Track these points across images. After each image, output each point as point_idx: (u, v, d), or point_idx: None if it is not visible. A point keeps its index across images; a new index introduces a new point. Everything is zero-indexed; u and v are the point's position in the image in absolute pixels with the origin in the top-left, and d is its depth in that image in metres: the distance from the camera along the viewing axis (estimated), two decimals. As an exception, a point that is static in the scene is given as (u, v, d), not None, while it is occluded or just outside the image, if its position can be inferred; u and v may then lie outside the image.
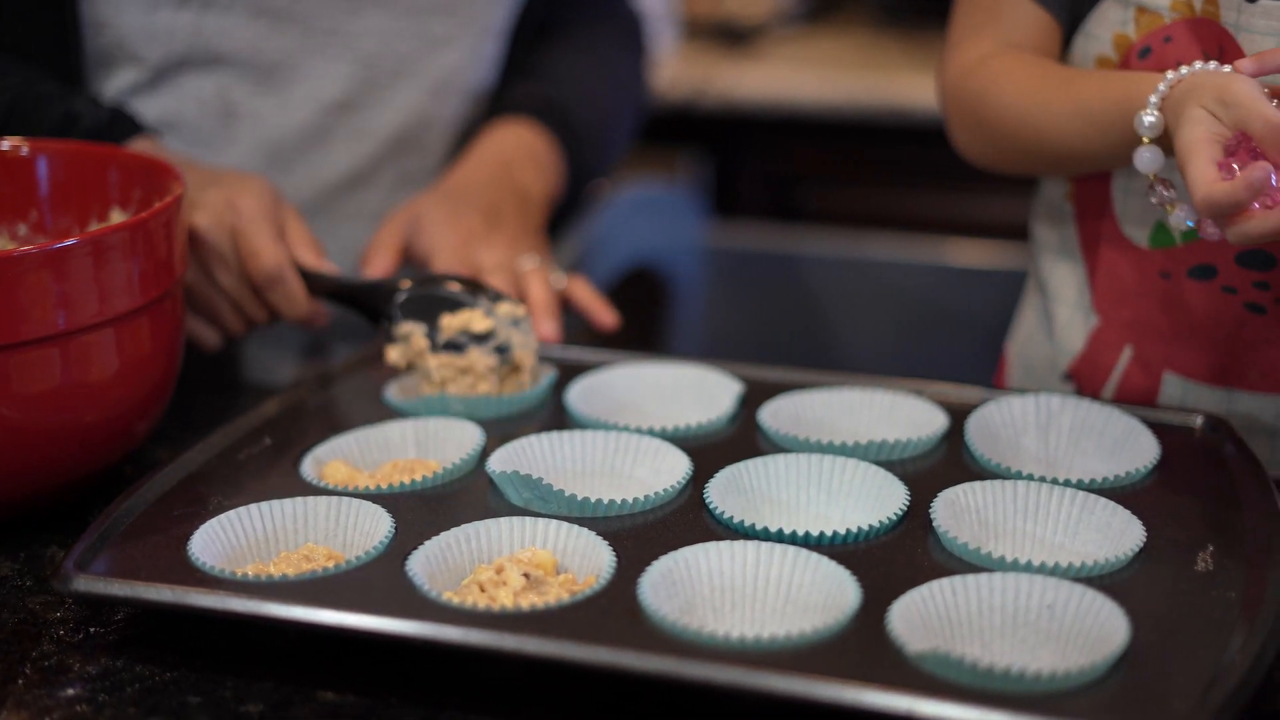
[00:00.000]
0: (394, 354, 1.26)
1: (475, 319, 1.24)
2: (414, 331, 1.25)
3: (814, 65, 2.76)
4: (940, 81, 1.32)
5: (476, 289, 1.26)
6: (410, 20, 1.49)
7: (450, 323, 1.24)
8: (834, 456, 1.08)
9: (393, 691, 0.93)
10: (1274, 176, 1.00)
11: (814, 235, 2.43)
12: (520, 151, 1.52)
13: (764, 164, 2.78)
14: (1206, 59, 1.10)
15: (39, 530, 1.13)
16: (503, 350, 1.25)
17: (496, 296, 1.26)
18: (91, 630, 1.01)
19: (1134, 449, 1.12)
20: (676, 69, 2.80)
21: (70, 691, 0.94)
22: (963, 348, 2.27)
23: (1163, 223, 1.21)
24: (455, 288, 1.27)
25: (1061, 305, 1.32)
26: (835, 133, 2.67)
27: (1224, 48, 1.13)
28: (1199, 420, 1.16)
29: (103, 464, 1.17)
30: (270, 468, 1.13)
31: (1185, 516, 1.03)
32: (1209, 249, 1.19)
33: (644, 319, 2.40)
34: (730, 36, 2.96)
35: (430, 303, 1.26)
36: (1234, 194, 0.99)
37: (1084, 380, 1.30)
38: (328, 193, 1.51)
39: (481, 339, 1.24)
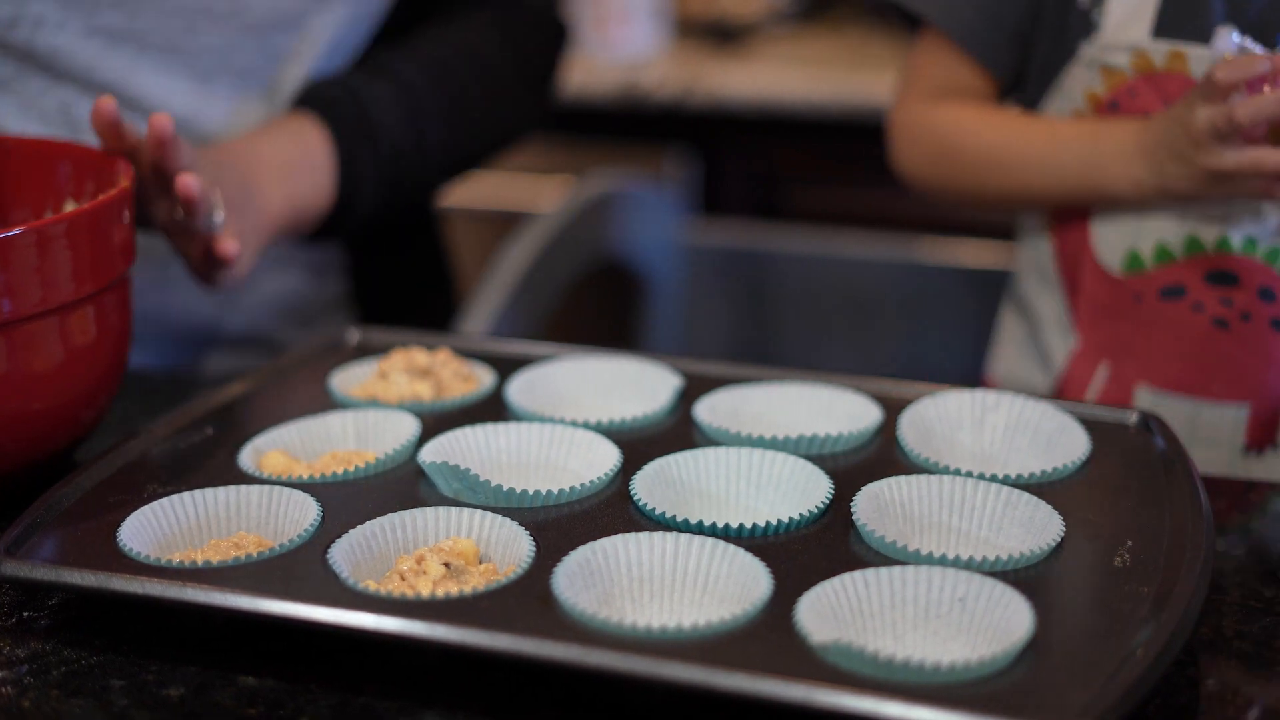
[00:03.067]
0: None
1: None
2: None
3: (802, 64, 2.77)
4: (893, 116, 1.49)
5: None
6: (250, 36, 1.45)
7: None
8: (763, 450, 1.09)
9: (312, 677, 0.94)
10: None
11: (797, 234, 2.44)
12: (269, 153, 1.40)
13: (750, 162, 2.79)
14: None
15: (-17, 516, 1.15)
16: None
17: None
18: (25, 614, 1.02)
19: (1067, 445, 1.13)
20: (666, 68, 2.81)
21: (-4, 674, 0.96)
22: (941, 347, 2.28)
23: (1135, 251, 1.34)
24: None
25: (1046, 328, 1.44)
26: (821, 132, 2.67)
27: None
28: (1133, 417, 1.17)
29: (50, 452, 1.18)
30: (209, 457, 1.14)
31: (1109, 512, 1.04)
32: (1178, 272, 1.31)
33: (617, 315, 2.42)
34: (722, 35, 2.97)
35: None
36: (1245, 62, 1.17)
37: (1066, 392, 1.41)
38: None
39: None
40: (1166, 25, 1.28)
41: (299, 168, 1.40)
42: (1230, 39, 1.23)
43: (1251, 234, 1.28)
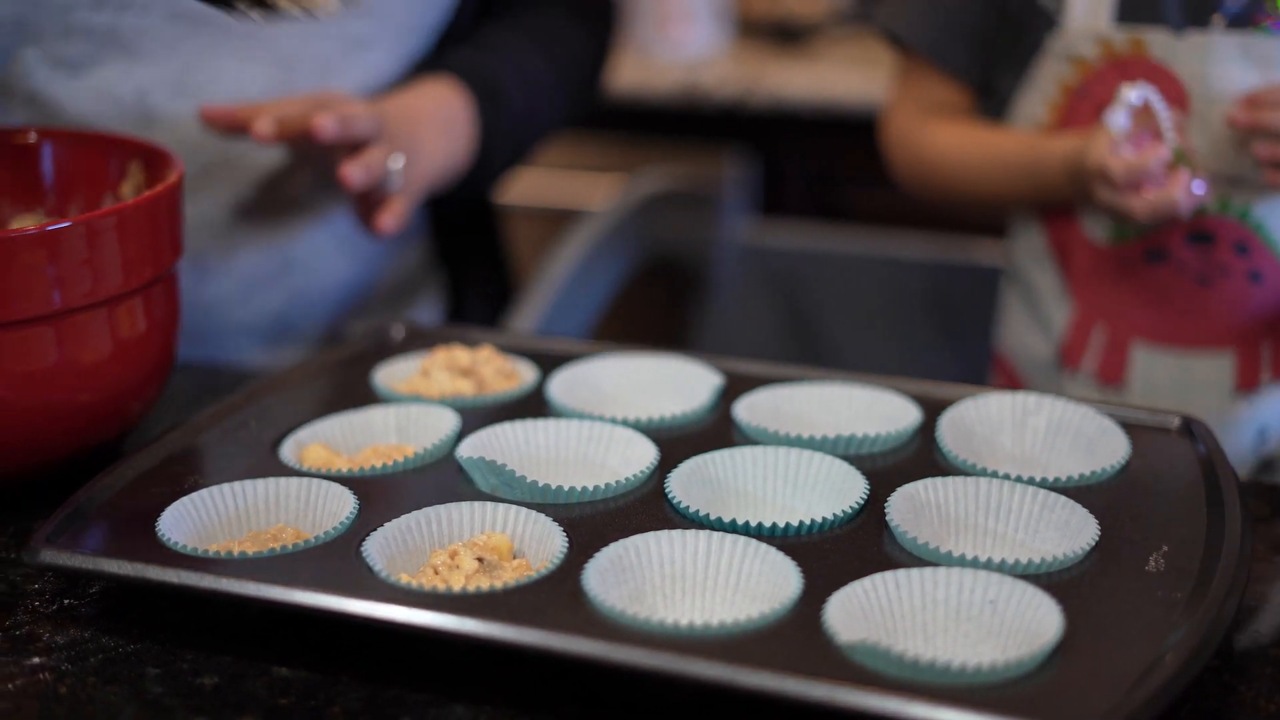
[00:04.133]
0: None
1: None
2: None
3: (864, 66, 2.76)
4: (884, 129, 1.66)
5: None
6: (334, 22, 1.47)
7: None
8: (799, 450, 1.09)
9: (344, 668, 0.95)
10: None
11: (851, 235, 2.43)
12: (429, 109, 1.48)
13: (810, 163, 2.78)
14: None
15: (34, 505, 1.16)
16: None
17: None
18: (66, 602, 1.04)
19: (1108, 448, 1.13)
20: (726, 68, 2.81)
21: (35, 660, 0.97)
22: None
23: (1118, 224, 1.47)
24: None
25: (1044, 299, 1.57)
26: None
27: (1153, 81, 1.38)
28: (1175, 421, 1.16)
29: (98, 442, 1.20)
30: (251, 449, 1.15)
31: (1146, 516, 1.03)
32: (1159, 237, 1.45)
33: (669, 313, 2.42)
34: (784, 35, 2.97)
35: None
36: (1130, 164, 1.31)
37: (1069, 354, 1.54)
38: (250, 195, 1.50)
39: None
40: (1126, 11, 1.41)
41: (452, 125, 1.49)
42: (1131, 97, 1.34)
43: (1221, 194, 1.41)
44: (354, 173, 1.35)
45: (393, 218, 1.40)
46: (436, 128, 1.48)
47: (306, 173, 1.51)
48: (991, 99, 1.57)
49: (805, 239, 2.36)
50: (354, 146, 1.38)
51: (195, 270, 1.49)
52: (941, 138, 1.58)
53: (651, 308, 2.38)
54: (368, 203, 1.42)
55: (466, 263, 1.76)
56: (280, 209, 1.52)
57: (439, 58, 1.57)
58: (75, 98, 1.42)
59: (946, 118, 1.59)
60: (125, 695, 0.93)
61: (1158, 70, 1.40)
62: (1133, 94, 1.34)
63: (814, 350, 2.33)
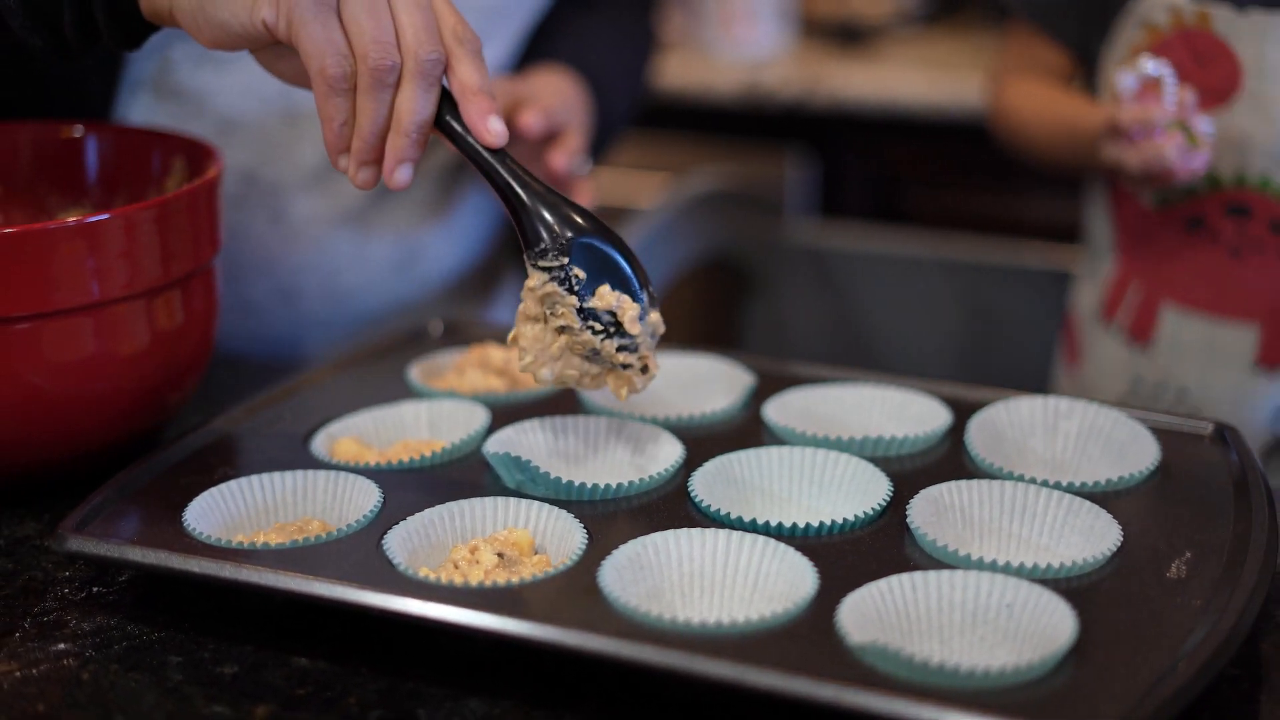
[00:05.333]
0: (536, 281, 1.07)
1: (628, 310, 1.09)
2: (574, 273, 1.07)
3: (926, 67, 2.75)
4: (989, 92, 1.75)
5: (645, 281, 1.10)
6: (485, 18, 1.50)
7: (607, 298, 1.08)
8: (825, 451, 1.09)
9: (362, 660, 0.96)
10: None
11: (913, 238, 2.43)
12: (575, 92, 1.53)
13: (870, 165, 2.77)
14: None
15: (71, 494, 1.17)
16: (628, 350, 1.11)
17: (654, 300, 1.11)
18: (94, 590, 1.05)
19: (1139, 454, 1.12)
20: (788, 68, 2.81)
21: (61, 646, 0.99)
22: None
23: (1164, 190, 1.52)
24: (629, 265, 1.09)
25: (1099, 250, 1.64)
26: (943, 135, 2.66)
27: (1212, 55, 1.44)
28: (1208, 428, 1.15)
29: (136, 433, 1.21)
30: (282, 441, 1.16)
31: (1171, 523, 1.02)
32: (1201, 206, 1.51)
33: (720, 312, 2.42)
34: (848, 36, 2.96)
35: (599, 261, 1.08)
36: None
37: (1108, 307, 1.61)
38: (385, 189, 1.54)
39: (620, 334, 1.09)
40: None
41: (588, 109, 1.55)
42: (1148, 67, 1.42)
43: (1264, 171, 1.46)
44: (560, 160, 1.42)
45: (589, 199, 1.46)
46: (584, 111, 1.53)
47: (435, 165, 1.55)
48: (1090, 65, 1.63)
49: (863, 241, 2.36)
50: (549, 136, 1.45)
51: (331, 263, 1.52)
52: (1014, 91, 1.68)
53: (704, 307, 2.38)
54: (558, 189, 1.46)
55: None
56: (412, 203, 1.55)
57: (540, 47, 1.61)
58: (221, 92, 1.45)
59: (1040, 79, 1.66)
60: (146, 683, 0.94)
61: (1218, 46, 1.44)
62: (1149, 64, 1.41)
63: (865, 352, 2.32)
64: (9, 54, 1.30)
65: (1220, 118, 1.45)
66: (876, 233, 2.45)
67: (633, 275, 1.08)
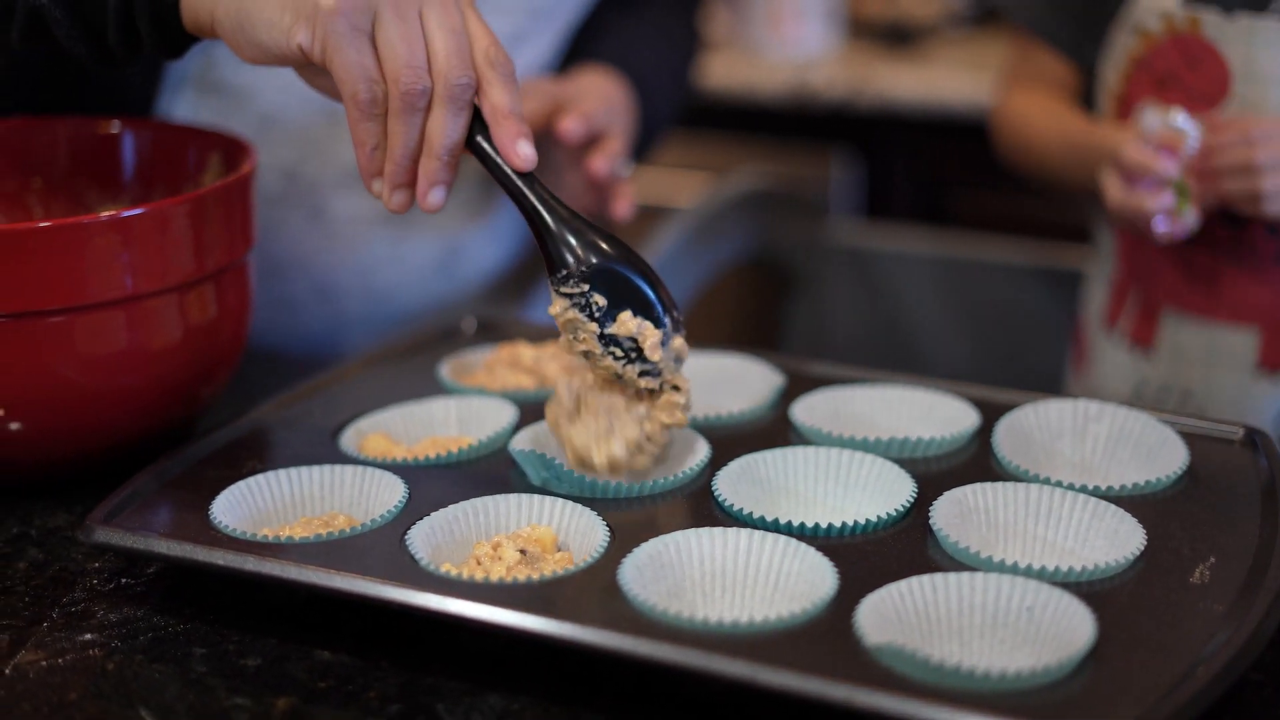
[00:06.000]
0: (559, 308, 1.08)
1: (649, 336, 1.08)
2: (595, 300, 1.08)
3: (973, 69, 2.74)
4: (993, 107, 1.76)
5: (670, 306, 1.10)
6: (500, 19, 1.51)
7: (628, 324, 1.08)
8: (850, 451, 1.09)
9: (384, 654, 0.97)
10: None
11: (957, 239, 2.42)
12: (618, 94, 1.53)
13: (916, 166, 2.77)
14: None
15: (102, 486, 1.18)
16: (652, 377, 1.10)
17: (678, 325, 1.11)
18: (122, 581, 1.06)
19: (1168, 458, 1.11)
20: (834, 68, 2.80)
21: (88, 636, 1.00)
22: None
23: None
24: (652, 290, 1.09)
25: (1104, 256, 1.65)
26: (988, 137, 2.64)
27: (1202, 59, 1.45)
28: (1239, 433, 1.14)
29: (167, 426, 1.22)
30: (312, 436, 1.17)
31: (1197, 528, 1.02)
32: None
33: (760, 312, 2.41)
34: (897, 37, 2.95)
35: (623, 286, 1.08)
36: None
37: (1110, 313, 1.62)
38: None
39: (641, 360, 1.09)
40: None
41: (631, 111, 1.55)
42: (1178, 119, 1.41)
43: None
44: (601, 165, 1.42)
45: (629, 202, 1.46)
46: (626, 113, 1.53)
47: (476, 167, 1.54)
48: (1089, 73, 1.63)
49: (905, 241, 2.35)
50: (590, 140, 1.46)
51: (369, 261, 1.53)
52: (1021, 100, 1.68)
53: (744, 306, 2.38)
54: (593, 192, 1.48)
55: None
56: (452, 204, 1.56)
57: (583, 47, 1.61)
58: (263, 89, 1.46)
59: (1046, 91, 1.66)
60: (169, 674, 0.95)
61: (1208, 50, 1.45)
62: (1179, 118, 1.40)
63: (905, 353, 2.31)
64: (53, 55, 1.31)
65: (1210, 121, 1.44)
66: (919, 234, 2.44)
67: (656, 300, 1.08)
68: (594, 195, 1.48)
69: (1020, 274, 2.26)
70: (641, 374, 1.08)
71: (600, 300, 1.07)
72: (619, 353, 1.07)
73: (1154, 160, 1.39)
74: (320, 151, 1.48)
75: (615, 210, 1.46)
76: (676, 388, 1.10)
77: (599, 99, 1.47)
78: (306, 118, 1.46)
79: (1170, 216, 1.41)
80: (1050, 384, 1.84)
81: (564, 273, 1.07)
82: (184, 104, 1.45)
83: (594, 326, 1.07)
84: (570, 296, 1.07)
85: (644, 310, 1.08)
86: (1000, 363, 2.28)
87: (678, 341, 1.10)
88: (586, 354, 1.08)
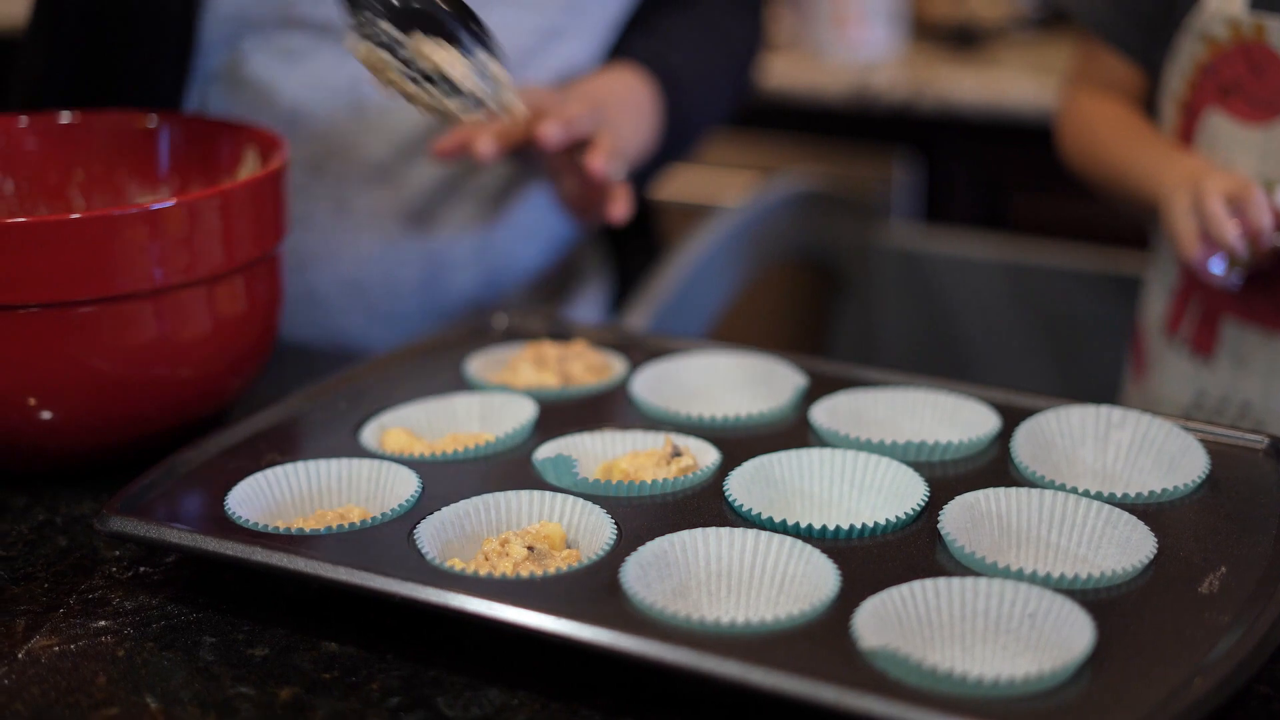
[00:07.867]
0: (362, 50, 1.09)
1: (456, 66, 1.08)
2: (384, 28, 1.08)
3: (1035, 72, 2.72)
4: (1058, 108, 1.72)
5: (484, 36, 1.09)
6: (532, 13, 1.52)
7: (431, 56, 1.07)
8: (864, 454, 1.09)
9: (389, 647, 0.97)
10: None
11: (1015, 244, 2.40)
12: (622, 94, 1.52)
13: (977, 169, 2.75)
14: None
15: (131, 476, 1.19)
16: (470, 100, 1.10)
17: (483, 40, 1.10)
18: (140, 570, 1.08)
19: (1189, 467, 1.10)
20: (896, 70, 2.79)
21: (102, 623, 1.01)
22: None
23: None
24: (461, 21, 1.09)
25: (1163, 262, 1.63)
26: (1050, 141, 2.62)
27: (1266, 67, 1.43)
28: (1263, 442, 1.13)
29: (196, 417, 1.23)
30: (333, 430, 1.18)
31: (1210, 537, 1.01)
32: None
33: (809, 314, 2.41)
34: (963, 39, 2.93)
35: (425, 20, 1.08)
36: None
37: (1171, 321, 1.59)
38: (447, 179, 1.55)
39: (451, 88, 1.08)
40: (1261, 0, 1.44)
41: (642, 111, 1.53)
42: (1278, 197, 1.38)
43: None
44: (598, 163, 1.39)
45: (625, 204, 1.45)
46: (630, 113, 1.52)
47: (500, 165, 1.56)
48: (1154, 78, 1.62)
49: (961, 245, 2.34)
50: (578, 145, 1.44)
51: (395, 256, 1.55)
52: (1088, 106, 1.66)
53: (793, 307, 2.37)
54: (590, 194, 1.46)
55: (630, 255, 1.79)
56: (477, 201, 1.57)
57: (620, 46, 1.61)
58: (290, 85, 1.48)
59: (1112, 96, 1.65)
60: (177, 662, 0.97)
61: (1272, 57, 1.43)
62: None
63: (956, 358, 2.30)
64: (84, 47, 1.33)
65: (1273, 130, 1.43)
66: (975, 238, 2.43)
67: (464, 33, 1.07)
68: (593, 198, 1.47)
69: (1079, 280, 2.24)
70: (463, 107, 1.08)
71: (389, 29, 1.06)
72: (435, 91, 1.07)
73: (1227, 231, 1.35)
74: (345, 146, 1.49)
75: (611, 213, 1.44)
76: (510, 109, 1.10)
77: (583, 102, 1.45)
78: (332, 113, 1.47)
79: (1224, 263, 1.39)
80: (1107, 393, 1.81)
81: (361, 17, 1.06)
82: (212, 99, 1.46)
83: (398, 64, 1.07)
84: (361, 29, 1.06)
85: (441, 33, 1.07)
86: (1057, 370, 2.26)
87: (494, 68, 1.09)
88: (407, 96, 1.08)
